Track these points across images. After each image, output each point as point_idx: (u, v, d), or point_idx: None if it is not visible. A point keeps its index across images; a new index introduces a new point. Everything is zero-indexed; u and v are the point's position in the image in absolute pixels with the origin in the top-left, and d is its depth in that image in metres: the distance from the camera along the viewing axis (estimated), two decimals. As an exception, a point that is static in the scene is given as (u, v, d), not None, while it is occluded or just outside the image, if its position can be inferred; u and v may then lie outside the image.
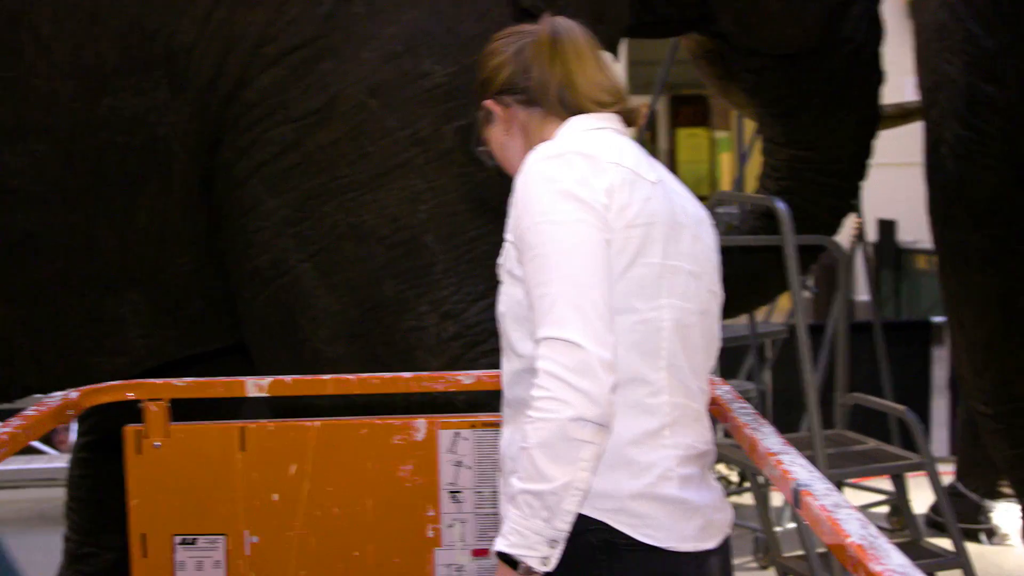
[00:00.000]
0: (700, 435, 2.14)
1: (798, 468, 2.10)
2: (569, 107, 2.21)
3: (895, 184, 10.70)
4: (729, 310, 5.11)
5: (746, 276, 4.94)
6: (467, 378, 3.03)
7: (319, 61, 3.60)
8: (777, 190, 4.90)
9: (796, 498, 1.99)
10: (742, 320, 5.88)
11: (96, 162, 3.55)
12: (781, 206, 4.32)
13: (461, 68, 3.64)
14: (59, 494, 5.04)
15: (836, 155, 4.83)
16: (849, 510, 1.83)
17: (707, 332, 2.18)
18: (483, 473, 2.91)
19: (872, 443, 4.60)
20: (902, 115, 5.52)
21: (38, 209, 3.55)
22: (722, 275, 4.60)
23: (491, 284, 2.37)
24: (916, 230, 11.52)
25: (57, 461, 6.03)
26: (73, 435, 5.62)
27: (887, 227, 12.50)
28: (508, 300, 2.12)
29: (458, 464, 2.94)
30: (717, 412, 2.66)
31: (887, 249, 12.56)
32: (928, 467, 4.41)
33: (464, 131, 3.64)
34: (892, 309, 12.66)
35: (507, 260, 2.12)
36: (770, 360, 6.29)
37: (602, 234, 2.01)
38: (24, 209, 3.54)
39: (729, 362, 6.01)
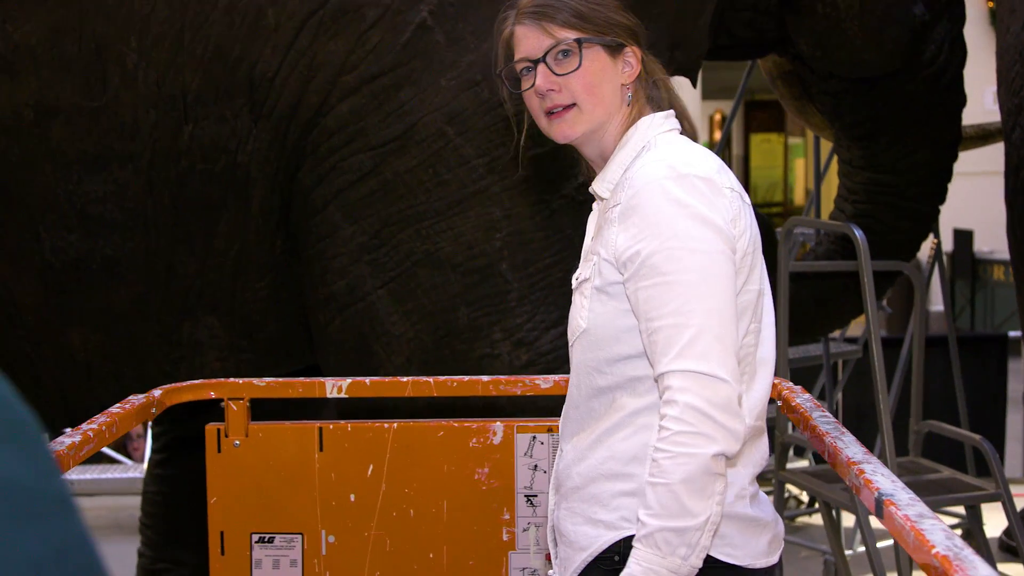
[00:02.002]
0: (764, 452, 2.15)
1: (881, 478, 2.06)
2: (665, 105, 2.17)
3: (972, 193, 10.57)
4: (804, 334, 5.14)
5: (821, 300, 4.92)
6: (545, 382, 3.01)
7: (398, 89, 3.63)
8: (854, 213, 4.86)
9: (879, 508, 1.95)
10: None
11: (177, 189, 3.60)
12: (858, 233, 4.28)
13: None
14: (134, 503, 5.13)
15: (915, 179, 4.78)
16: (934, 520, 1.78)
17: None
18: None
19: (947, 472, 4.55)
20: (982, 136, 5.45)
21: (119, 235, 3.61)
22: (798, 298, 4.58)
23: (564, 312, 2.37)
24: (993, 240, 11.37)
25: (132, 471, 6.12)
26: (148, 444, 5.70)
27: (964, 237, 12.34)
28: (594, 317, 2.06)
29: (534, 468, 2.94)
30: (797, 421, 2.64)
31: (963, 259, 12.41)
32: (1004, 497, 4.36)
33: (539, 160, 3.66)
34: (968, 319, 12.51)
35: (595, 277, 2.05)
36: (843, 380, 6.24)
37: (734, 266, 1.98)
38: (106, 235, 3.60)
39: (801, 381, 5.97)
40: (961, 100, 4.86)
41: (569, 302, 2.20)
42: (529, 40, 2.08)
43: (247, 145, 3.61)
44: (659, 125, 2.10)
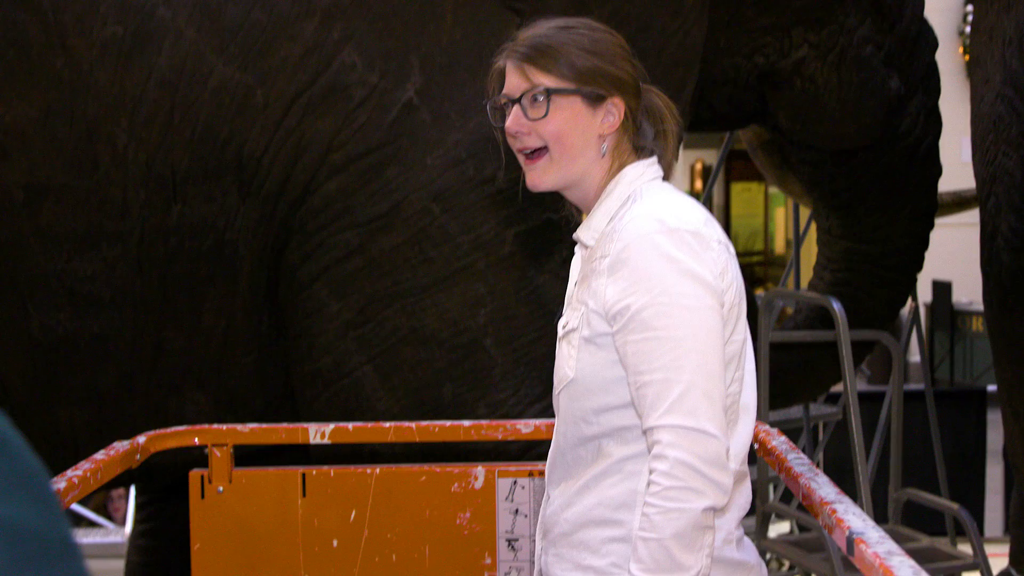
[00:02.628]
0: (747, 496, 2.17)
1: (852, 517, 2.12)
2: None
3: (950, 245, 10.65)
4: (784, 400, 5.19)
5: (801, 368, 4.97)
6: (525, 427, 3.05)
7: (385, 167, 3.68)
8: (833, 281, 4.92)
9: (850, 545, 2.02)
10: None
11: (166, 266, 3.64)
12: (837, 306, 4.34)
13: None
14: (117, 567, 5.11)
15: (893, 248, 4.85)
16: (902, 557, 1.85)
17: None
18: None
19: (925, 540, 4.59)
20: (958, 203, 5.54)
21: (108, 313, 3.64)
22: (778, 366, 4.60)
23: (548, 386, 2.40)
24: (972, 291, 11.45)
25: (114, 535, 6.11)
26: (130, 506, 5.71)
27: (942, 288, 12.44)
28: (581, 367, 2.06)
29: (515, 512, 2.96)
30: (773, 463, 2.68)
31: (942, 311, 12.50)
32: (982, 567, 4.40)
33: (522, 236, 3.72)
34: (947, 370, 12.59)
35: (584, 327, 2.05)
36: (823, 441, 6.29)
37: (722, 320, 2.00)
38: (94, 313, 3.63)
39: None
40: (937, 170, 4.94)
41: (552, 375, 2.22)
42: (511, 78, 2.09)
43: (235, 223, 3.65)
44: (643, 174, 2.11)
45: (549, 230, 3.75)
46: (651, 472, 1.94)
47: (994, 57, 5.02)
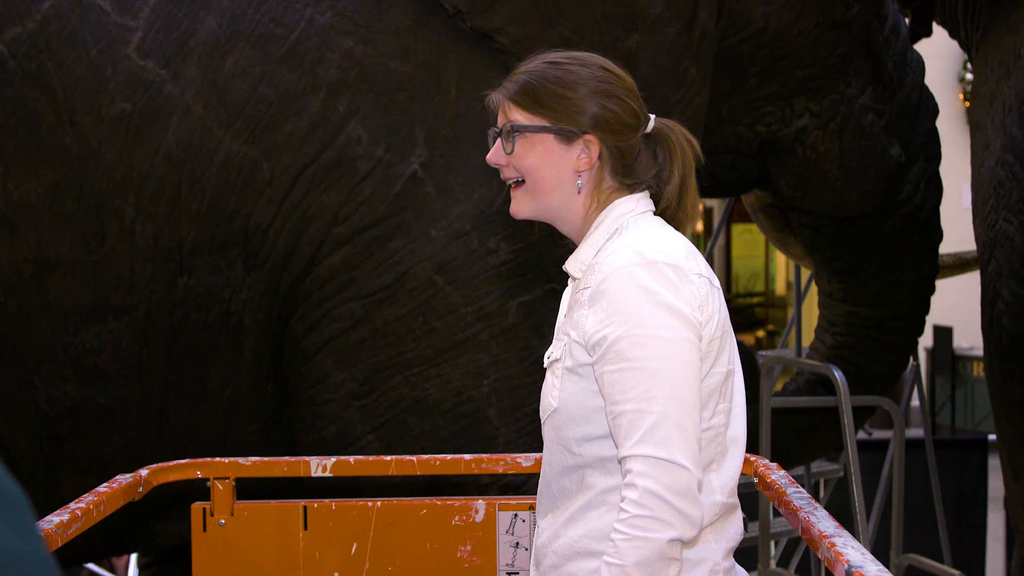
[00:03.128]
0: (738, 527, 2.18)
1: (851, 550, 2.12)
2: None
3: (951, 290, 10.64)
4: (785, 463, 5.19)
5: (802, 431, 4.98)
6: (526, 460, 3.05)
7: (390, 239, 3.72)
8: (834, 345, 4.94)
9: None
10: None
11: (171, 337, 3.67)
12: (838, 375, 4.37)
13: (527, 245, 3.75)
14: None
15: (894, 312, 4.87)
16: None
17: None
18: None
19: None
20: (959, 265, 5.56)
21: (114, 384, 3.67)
22: (779, 430, 4.58)
23: None
24: (973, 336, 11.44)
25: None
26: (132, 557, 5.70)
27: (943, 333, 12.44)
28: (564, 397, 2.08)
29: (516, 546, 2.96)
30: (772, 497, 2.69)
31: (943, 356, 12.50)
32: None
33: (525, 306, 3.75)
34: (948, 415, 12.58)
35: (567, 357, 2.08)
36: (825, 497, 6.29)
37: (699, 352, 2.02)
38: (101, 384, 3.66)
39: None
40: (938, 235, 4.97)
41: None
42: (499, 112, 2.15)
43: (241, 294, 3.68)
44: (632, 208, 2.12)
45: (552, 300, 3.78)
46: (621, 500, 1.96)
47: (994, 123, 5.05)
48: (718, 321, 2.07)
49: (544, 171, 2.10)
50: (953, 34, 5.80)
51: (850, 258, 4.80)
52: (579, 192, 2.12)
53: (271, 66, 3.65)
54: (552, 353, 2.14)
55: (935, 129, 4.87)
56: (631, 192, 2.14)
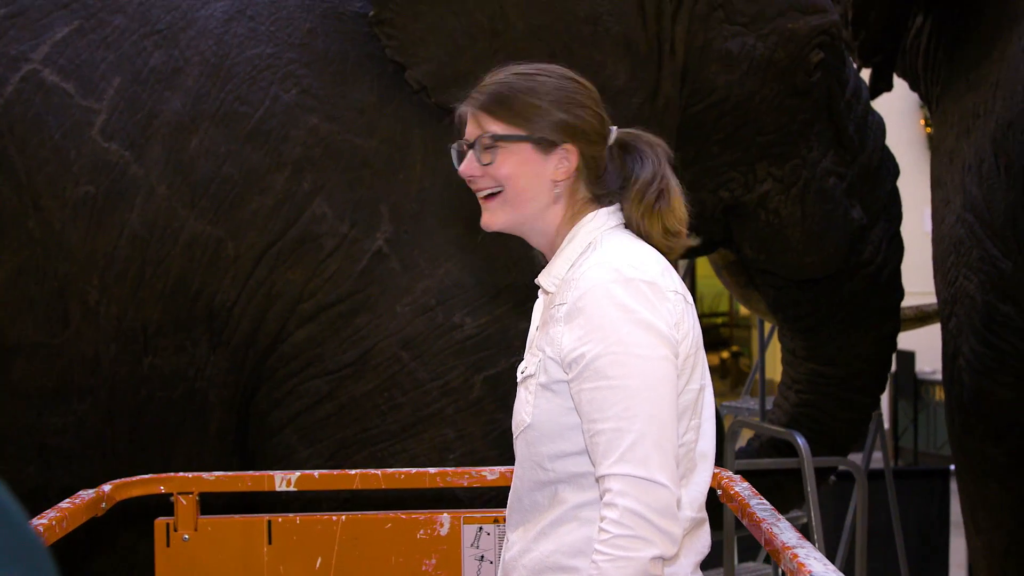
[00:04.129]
0: (705, 541, 2.19)
1: (814, 561, 2.15)
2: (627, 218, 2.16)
3: (914, 315, 10.72)
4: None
5: (766, 489, 5.01)
6: (491, 474, 3.07)
7: (355, 315, 3.72)
8: (797, 402, 4.98)
9: None
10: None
11: (136, 417, 3.66)
12: (801, 441, 4.41)
13: (492, 319, 3.77)
14: None
15: (856, 371, 4.90)
16: None
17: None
18: None
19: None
20: (920, 318, 5.61)
21: (77, 465, 3.65)
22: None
23: None
24: (935, 361, 11.52)
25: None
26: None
27: (906, 358, 12.53)
28: (538, 413, 2.08)
29: (481, 559, 2.98)
30: (736, 508, 2.71)
31: (906, 380, 12.60)
32: None
33: (491, 380, 3.76)
34: (910, 438, 12.68)
35: (541, 374, 2.08)
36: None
37: (676, 370, 2.02)
38: (64, 465, 3.64)
39: (743, 550, 6.05)
40: (899, 294, 5.01)
41: None
42: (469, 124, 2.15)
43: (205, 371, 3.68)
44: (604, 222, 2.12)
45: (512, 376, 3.80)
46: (601, 520, 1.96)
47: (954, 181, 5.10)
48: (693, 338, 2.09)
49: (522, 180, 2.10)
50: (913, 87, 5.86)
51: (813, 318, 4.83)
52: (555, 202, 2.12)
53: (236, 145, 3.65)
54: (526, 368, 2.14)
55: (896, 190, 4.91)
56: (600, 204, 2.15)
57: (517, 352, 3.80)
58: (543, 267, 2.22)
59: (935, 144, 5.38)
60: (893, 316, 4.99)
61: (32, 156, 3.50)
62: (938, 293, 5.27)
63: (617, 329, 1.98)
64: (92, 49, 3.59)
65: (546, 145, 2.10)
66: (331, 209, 3.71)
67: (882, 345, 4.96)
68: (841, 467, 4.82)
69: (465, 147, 2.15)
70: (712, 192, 4.39)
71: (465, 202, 3.78)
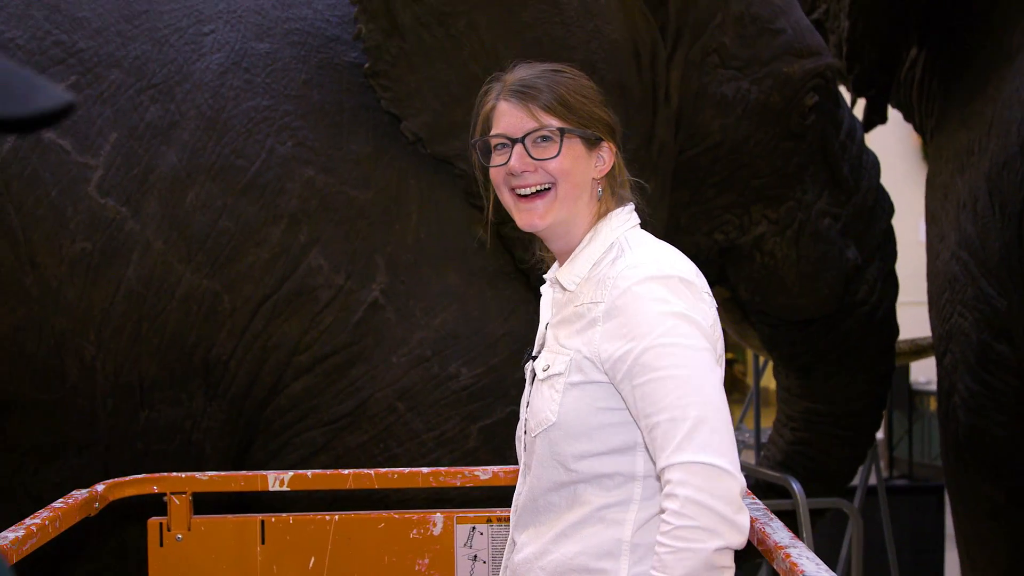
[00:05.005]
0: None
1: (806, 561, 2.15)
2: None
3: (907, 325, 10.72)
4: (740, 555, 5.23)
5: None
6: (484, 473, 3.07)
7: (351, 366, 3.73)
8: (792, 440, 4.98)
9: None
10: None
11: (132, 470, 3.65)
12: (796, 487, 4.41)
13: (488, 368, 3.78)
14: None
15: (852, 409, 4.91)
16: None
17: None
18: (499, 568, 2.95)
19: None
20: (915, 352, 5.63)
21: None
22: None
23: None
24: (928, 371, 11.55)
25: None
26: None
27: (900, 369, 12.54)
28: (564, 412, 2.05)
29: (474, 559, 2.98)
30: None
31: (900, 391, 12.59)
32: None
33: (486, 430, 3.77)
34: (905, 449, 12.68)
35: (572, 372, 2.06)
36: None
37: (716, 363, 2.01)
38: None
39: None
40: (895, 332, 5.02)
41: None
42: (510, 118, 2.10)
43: (202, 424, 3.68)
44: (625, 221, 2.13)
45: (512, 424, 3.80)
46: (662, 511, 1.93)
47: (948, 217, 5.11)
48: (722, 341, 2.09)
49: (577, 176, 2.10)
50: (907, 118, 5.87)
51: (808, 356, 4.84)
52: (591, 200, 2.13)
53: (232, 198, 3.66)
54: (550, 366, 2.11)
55: (891, 228, 4.92)
56: (619, 203, 2.16)
57: (514, 401, 3.80)
58: (540, 261, 2.25)
59: (929, 178, 5.38)
60: (889, 354, 5.00)
61: (29, 214, 3.50)
62: (933, 329, 5.28)
63: (660, 323, 1.97)
64: (89, 104, 3.59)
65: (593, 142, 2.11)
66: (327, 261, 3.71)
67: (878, 383, 4.97)
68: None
69: (501, 141, 2.12)
70: (707, 235, 4.39)
71: (461, 250, 3.81)
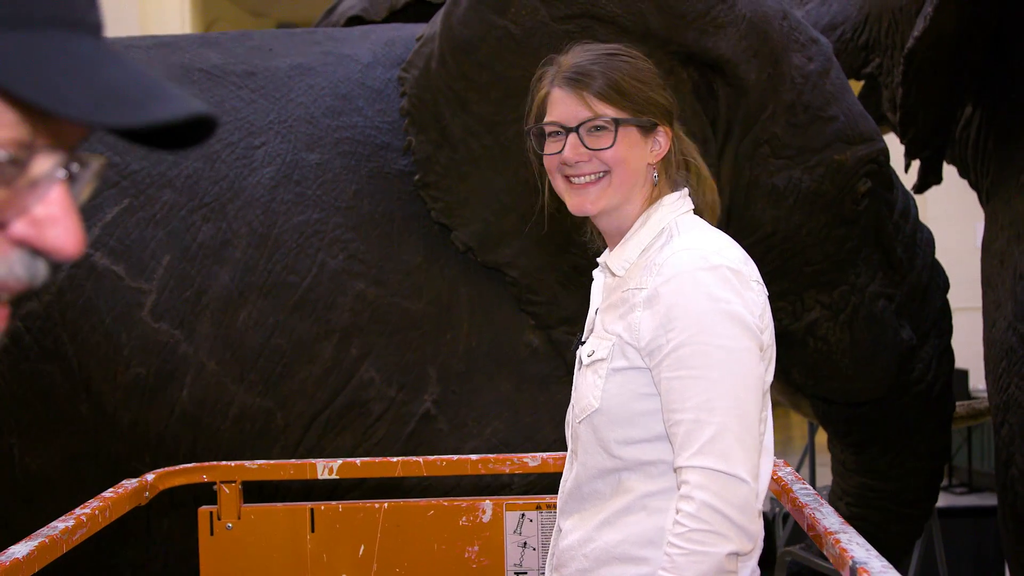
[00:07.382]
0: (762, 533, 2.16)
1: (856, 547, 2.15)
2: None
3: (966, 331, 10.57)
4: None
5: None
6: (533, 460, 3.06)
7: (404, 478, 3.74)
8: (848, 516, 4.95)
9: (853, 575, 2.05)
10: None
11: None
12: None
13: (539, 477, 3.78)
14: None
15: (906, 486, 4.87)
16: None
17: None
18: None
19: None
20: (972, 416, 5.57)
21: None
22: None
23: None
24: (990, 378, 11.41)
25: None
26: None
27: (959, 376, 12.37)
28: (608, 398, 2.05)
29: (523, 546, 2.98)
30: (778, 493, 2.71)
31: (959, 399, 12.46)
32: None
33: None
34: (964, 457, 12.57)
35: (616, 358, 2.05)
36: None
37: (760, 363, 2.00)
38: None
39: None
40: (951, 408, 4.97)
41: None
42: (564, 106, 2.08)
43: None
44: (678, 206, 2.11)
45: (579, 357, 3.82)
46: (677, 512, 1.93)
47: (1005, 285, 5.04)
48: (771, 329, 2.08)
49: (633, 163, 2.08)
50: (963, 175, 5.78)
51: (862, 433, 4.80)
52: (644, 184, 2.11)
53: (284, 315, 3.68)
54: (595, 351, 2.10)
55: (947, 303, 4.86)
56: (672, 188, 2.14)
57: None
58: (593, 244, 2.23)
59: (985, 244, 5.30)
60: (945, 429, 4.95)
61: (83, 342, 3.54)
62: (990, 397, 5.22)
63: (701, 319, 1.96)
64: (142, 228, 3.62)
65: (649, 128, 2.09)
66: (379, 374, 3.73)
67: (934, 459, 4.93)
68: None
69: (555, 129, 2.09)
70: (760, 323, 4.36)
71: (512, 357, 3.81)
